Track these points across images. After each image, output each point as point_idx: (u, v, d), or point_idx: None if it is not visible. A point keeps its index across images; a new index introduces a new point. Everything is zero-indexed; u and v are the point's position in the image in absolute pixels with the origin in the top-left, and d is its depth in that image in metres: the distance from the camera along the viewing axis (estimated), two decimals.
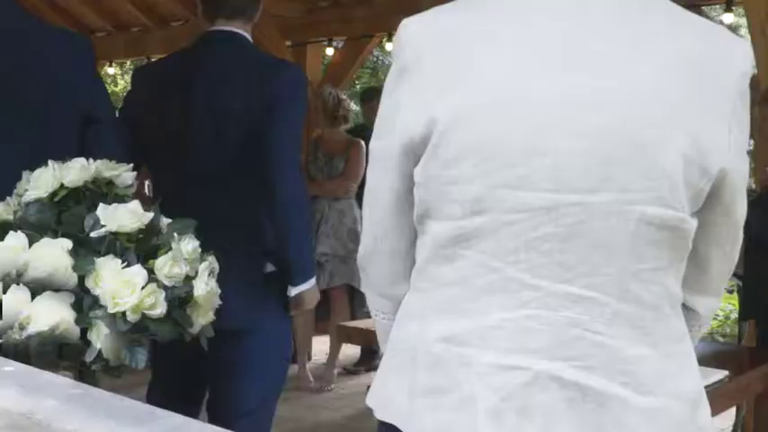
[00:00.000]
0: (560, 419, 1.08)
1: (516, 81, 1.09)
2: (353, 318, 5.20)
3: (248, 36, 2.37)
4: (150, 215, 1.35)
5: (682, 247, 1.13)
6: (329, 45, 5.93)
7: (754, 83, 3.68)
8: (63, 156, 1.44)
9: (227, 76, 2.30)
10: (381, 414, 1.22)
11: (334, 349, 5.16)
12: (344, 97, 5.13)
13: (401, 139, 1.15)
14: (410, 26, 1.18)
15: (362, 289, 1.37)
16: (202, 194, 2.27)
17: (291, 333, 2.60)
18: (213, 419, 2.43)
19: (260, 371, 2.41)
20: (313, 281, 2.40)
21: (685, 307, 1.21)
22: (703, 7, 4.49)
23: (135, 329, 1.27)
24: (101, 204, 1.34)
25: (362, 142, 4.91)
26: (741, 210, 1.18)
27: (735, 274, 3.59)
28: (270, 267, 2.35)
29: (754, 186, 3.71)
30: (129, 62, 9.01)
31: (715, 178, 1.10)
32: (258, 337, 2.34)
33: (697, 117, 1.08)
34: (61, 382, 0.80)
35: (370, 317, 1.33)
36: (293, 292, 2.35)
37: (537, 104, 1.07)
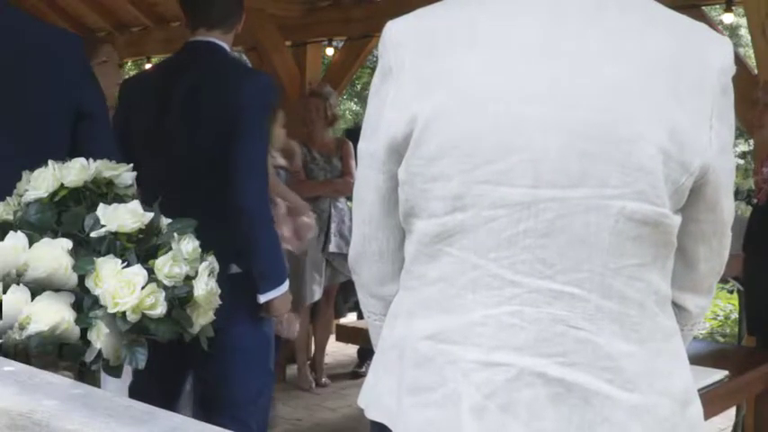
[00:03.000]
0: (545, 415, 1.08)
1: (494, 79, 1.10)
2: (338, 313, 5.26)
3: (226, 46, 2.52)
4: (150, 215, 1.35)
5: (665, 244, 1.13)
6: (329, 45, 5.92)
7: (753, 83, 3.68)
8: (61, 153, 1.44)
9: (201, 84, 2.45)
10: (371, 413, 1.22)
11: (322, 341, 5.20)
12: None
13: (385, 138, 1.16)
14: (394, 27, 1.20)
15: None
16: (177, 195, 2.31)
17: (273, 334, 2.64)
18: (205, 417, 2.49)
19: (240, 368, 2.48)
20: (283, 287, 2.48)
21: (676, 306, 1.22)
22: (703, 7, 4.48)
23: (135, 329, 1.27)
24: (101, 204, 1.34)
25: (350, 141, 5.04)
26: (727, 207, 1.19)
27: (734, 277, 3.59)
28: (235, 268, 2.38)
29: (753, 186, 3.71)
30: (129, 62, 9.00)
31: (696, 175, 1.10)
32: (231, 336, 2.37)
33: (674, 113, 1.08)
34: (61, 382, 0.80)
35: (353, 311, 1.33)
36: (262, 299, 2.44)
37: (514, 101, 1.09)
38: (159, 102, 2.48)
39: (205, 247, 1.39)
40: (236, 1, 2.54)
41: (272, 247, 2.47)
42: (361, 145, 1.24)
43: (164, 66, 2.69)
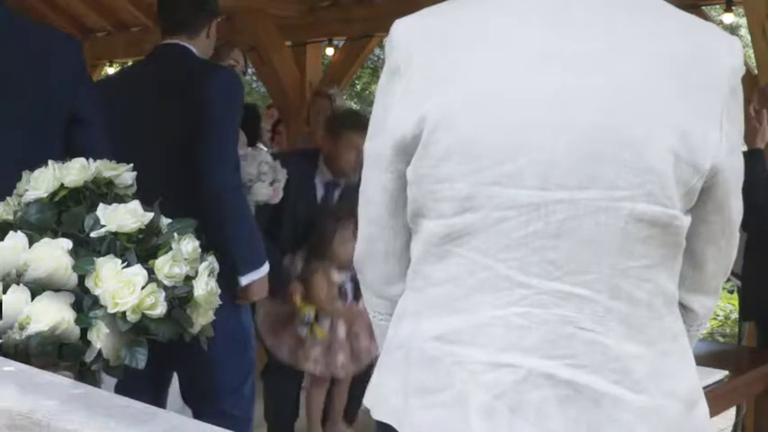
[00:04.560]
0: (553, 417, 1.08)
1: (502, 79, 1.10)
2: None
3: (192, 48, 2.64)
4: (150, 215, 1.35)
5: (674, 245, 1.13)
6: (329, 45, 5.92)
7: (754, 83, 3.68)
8: (59, 155, 1.45)
9: (166, 84, 2.58)
10: (377, 413, 1.22)
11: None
12: None
13: (393, 138, 1.16)
14: (401, 27, 1.20)
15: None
16: (153, 191, 2.35)
17: (251, 322, 2.74)
18: (190, 410, 2.67)
19: (221, 359, 2.54)
20: (263, 270, 2.58)
21: (683, 306, 1.21)
22: (703, 7, 4.48)
23: (135, 329, 1.27)
24: (101, 204, 1.34)
25: None
26: (736, 208, 1.18)
27: (734, 273, 3.59)
28: None
29: None
30: (129, 62, 9.00)
31: (707, 175, 1.10)
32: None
33: (684, 114, 1.08)
34: (61, 382, 0.80)
35: None
36: (243, 282, 2.54)
37: (522, 102, 1.08)
38: (131, 103, 2.59)
39: None
40: (201, 6, 2.67)
41: (249, 229, 2.56)
42: (367, 145, 1.23)
43: (134, 68, 2.88)
